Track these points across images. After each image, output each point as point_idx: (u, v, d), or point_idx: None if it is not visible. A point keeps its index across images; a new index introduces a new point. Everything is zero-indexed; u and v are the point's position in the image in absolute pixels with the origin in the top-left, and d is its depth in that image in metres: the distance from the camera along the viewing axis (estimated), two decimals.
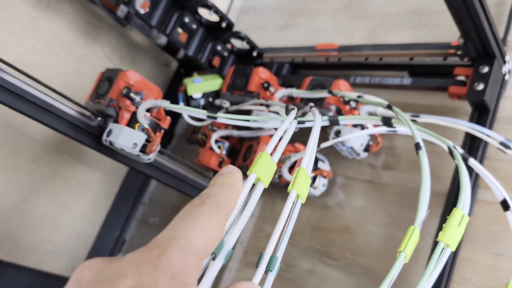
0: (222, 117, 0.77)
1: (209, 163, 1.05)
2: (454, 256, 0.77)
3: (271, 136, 1.01)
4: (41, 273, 1.10)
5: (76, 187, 1.13)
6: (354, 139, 0.88)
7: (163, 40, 1.17)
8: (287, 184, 0.99)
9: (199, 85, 1.08)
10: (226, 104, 1.06)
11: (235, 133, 1.07)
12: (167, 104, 0.78)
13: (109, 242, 1.26)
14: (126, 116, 0.78)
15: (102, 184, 1.18)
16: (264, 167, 0.45)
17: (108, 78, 0.84)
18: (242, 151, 1.05)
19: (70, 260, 1.13)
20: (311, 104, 0.73)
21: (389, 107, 0.70)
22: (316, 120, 0.59)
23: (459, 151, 0.61)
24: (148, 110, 0.81)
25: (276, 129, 0.99)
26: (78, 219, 1.14)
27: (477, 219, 0.79)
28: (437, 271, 0.51)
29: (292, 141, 0.99)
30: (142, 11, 1.00)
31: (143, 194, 1.32)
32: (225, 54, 1.14)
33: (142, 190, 1.32)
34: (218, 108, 1.09)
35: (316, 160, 0.97)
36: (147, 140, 0.78)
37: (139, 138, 0.76)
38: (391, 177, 0.93)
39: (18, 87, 0.72)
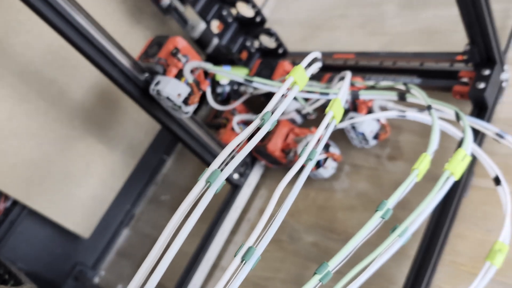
0: (257, 81, 0.88)
1: (229, 142, 1.15)
2: (447, 231, 0.86)
3: (289, 120, 1.11)
4: (57, 227, 1.17)
5: (102, 151, 1.21)
6: (365, 125, 0.98)
7: (196, 33, 1.30)
8: None
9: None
10: (250, 90, 1.17)
11: (254, 117, 1.17)
12: (210, 66, 0.89)
13: (120, 213, 1.33)
14: (174, 71, 0.88)
15: (124, 154, 1.26)
16: (300, 75, 0.56)
17: (157, 43, 0.95)
18: None
19: (84, 219, 1.19)
20: (342, 75, 0.84)
21: (404, 84, 0.81)
22: (347, 78, 0.70)
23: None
24: (190, 72, 0.91)
25: (297, 111, 1.10)
26: (99, 182, 1.21)
27: (471, 201, 0.88)
28: (440, 195, 0.60)
29: (308, 126, 1.10)
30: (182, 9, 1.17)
31: (156, 174, 1.40)
32: (253, 50, 1.26)
33: (156, 170, 1.40)
34: (242, 95, 1.19)
35: (328, 145, 1.07)
36: (189, 94, 0.88)
37: (184, 89, 0.86)
38: (394, 167, 1.03)
39: (86, 30, 0.82)
